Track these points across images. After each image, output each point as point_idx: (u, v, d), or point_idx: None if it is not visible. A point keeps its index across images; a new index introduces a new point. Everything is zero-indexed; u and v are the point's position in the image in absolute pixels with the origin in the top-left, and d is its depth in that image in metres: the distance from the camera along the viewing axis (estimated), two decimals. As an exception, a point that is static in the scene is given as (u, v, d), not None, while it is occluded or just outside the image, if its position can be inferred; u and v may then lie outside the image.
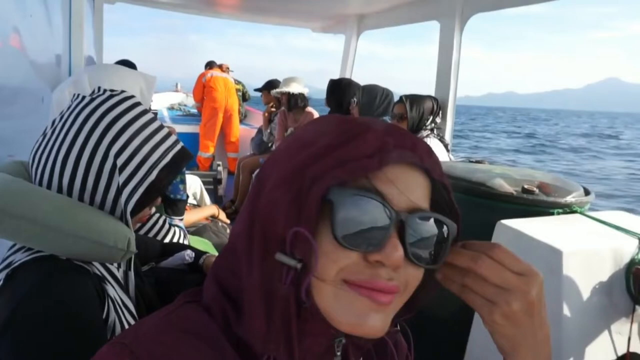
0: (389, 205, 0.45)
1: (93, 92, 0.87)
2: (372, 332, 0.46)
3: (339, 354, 0.51)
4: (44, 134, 0.84)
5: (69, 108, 0.84)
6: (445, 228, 0.49)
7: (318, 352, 0.50)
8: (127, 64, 3.55)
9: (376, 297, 0.45)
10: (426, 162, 0.48)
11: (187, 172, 2.00)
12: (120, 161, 0.80)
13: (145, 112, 0.87)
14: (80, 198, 0.80)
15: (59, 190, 0.80)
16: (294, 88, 3.94)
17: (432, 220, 0.48)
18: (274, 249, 0.46)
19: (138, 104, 0.87)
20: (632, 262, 1.34)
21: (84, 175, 0.80)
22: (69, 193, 0.80)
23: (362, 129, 0.48)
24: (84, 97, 0.85)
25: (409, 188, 0.47)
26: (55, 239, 0.74)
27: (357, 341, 0.52)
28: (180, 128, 5.44)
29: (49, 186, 0.81)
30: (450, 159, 2.73)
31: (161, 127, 0.89)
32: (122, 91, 0.87)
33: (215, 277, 0.53)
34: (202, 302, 0.52)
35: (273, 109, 4.53)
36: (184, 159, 0.90)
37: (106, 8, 4.03)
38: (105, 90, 0.86)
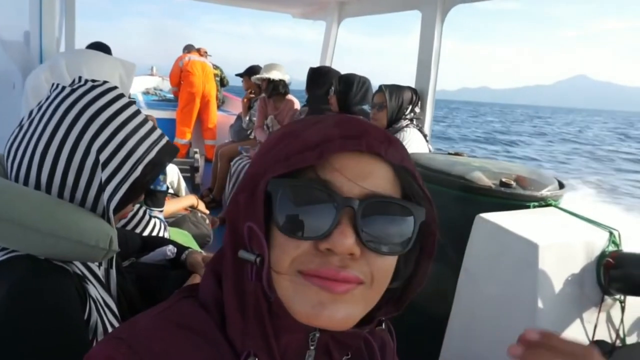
0: (336, 192, 0.45)
1: (73, 81, 0.83)
2: (331, 323, 0.45)
3: (312, 347, 0.50)
4: (21, 126, 0.79)
5: (47, 99, 0.80)
6: (409, 214, 0.47)
7: (297, 347, 0.49)
8: (101, 46, 3.43)
9: (330, 286, 0.44)
10: (377, 147, 0.46)
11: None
12: (103, 157, 0.77)
13: (129, 104, 0.83)
14: (60, 195, 0.77)
15: (37, 186, 0.76)
16: (275, 75, 3.89)
17: (394, 206, 0.47)
18: (240, 247, 0.48)
19: (121, 95, 0.83)
20: (602, 255, 1.39)
21: (64, 171, 0.76)
22: (48, 190, 0.76)
23: (310, 124, 0.49)
24: (64, 88, 0.81)
25: (361, 175, 0.46)
26: (33, 239, 0.71)
27: (341, 338, 0.51)
28: (156, 113, 5.31)
29: (25, 182, 0.77)
30: (429, 149, 2.76)
31: (145, 120, 0.85)
32: (105, 81, 0.83)
33: (212, 273, 0.53)
34: (198, 297, 0.52)
35: (252, 95, 4.47)
36: (169, 154, 0.87)
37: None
38: (86, 81, 0.82)
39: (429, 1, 2.86)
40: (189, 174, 4.78)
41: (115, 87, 0.83)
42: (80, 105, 0.77)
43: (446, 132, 29.80)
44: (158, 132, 0.87)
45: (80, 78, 0.83)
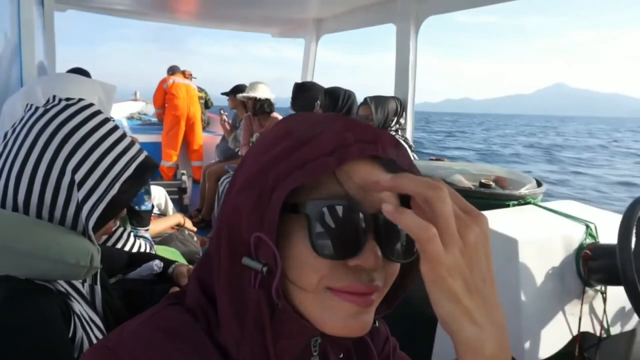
0: (362, 208, 0.45)
1: (48, 101, 0.82)
2: (358, 332, 0.47)
3: (315, 354, 0.51)
4: None
5: (21, 120, 0.80)
6: None
7: (295, 353, 0.50)
8: (81, 72, 3.43)
9: (361, 300, 0.46)
10: (390, 153, 0.47)
11: (151, 182, 1.97)
12: (78, 176, 0.76)
13: (105, 121, 0.83)
14: (39, 214, 0.76)
15: (15, 208, 0.76)
16: (261, 93, 3.93)
17: None
18: (241, 253, 0.46)
19: (97, 112, 0.83)
20: (580, 247, 1.43)
21: (40, 192, 0.75)
22: (26, 210, 0.76)
23: (322, 128, 0.47)
24: (37, 108, 0.80)
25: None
26: (12, 260, 0.70)
27: (337, 340, 0.52)
28: (142, 138, 5.31)
29: (2, 204, 0.76)
30: (414, 157, 2.81)
31: (123, 136, 0.85)
32: (80, 99, 0.83)
33: (197, 279, 0.53)
34: (185, 304, 0.52)
35: (225, 116, 4.53)
36: (149, 169, 0.86)
37: (58, 16, 3.90)
38: (60, 100, 0.81)
39: (403, 14, 2.95)
40: (177, 196, 4.77)
41: (90, 105, 0.83)
42: (53, 125, 0.77)
43: (491, 148, 26.66)
44: (136, 147, 0.86)
45: (54, 97, 0.82)
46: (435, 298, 0.39)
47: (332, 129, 0.46)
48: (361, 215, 0.44)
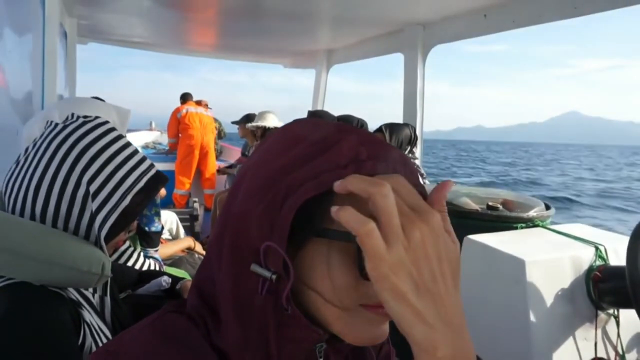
0: None
1: (67, 118, 0.88)
2: (380, 340, 0.48)
3: (321, 359, 0.51)
4: (17, 162, 0.84)
5: (42, 135, 0.85)
6: None
7: (300, 358, 0.50)
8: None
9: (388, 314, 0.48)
10: (400, 171, 0.47)
11: (163, 209, 2.01)
12: (93, 187, 0.81)
13: (119, 137, 0.88)
14: (54, 224, 0.81)
15: (32, 217, 0.80)
16: (269, 122, 4.02)
17: None
18: (247, 259, 0.45)
19: (112, 129, 0.88)
20: (590, 269, 1.41)
21: (56, 202, 0.80)
22: (42, 220, 0.80)
23: (336, 139, 0.47)
24: (56, 124, 0.86)
25: None
26: (28, 267, 0.74)
27: (339, 346, 0.53)
28: (156, 166, 5.41)
29: (22, 214, 0.81)
30: (425, 183, 2.81)
31: (136, 151, 0.90)
32: (96, 117, 0.88)
33: (196, 286, 0.54)
34: (185, 311, 0.53)
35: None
36: (159, 183, 0.91)
37: (79, 47, 4.09)
38: (78, 117, 0.87)
39: (410, 44, 3.03)
40: (188, 223, 4.80)
41: (106, 122, 0.89)
42: (71, 140, 0.83)
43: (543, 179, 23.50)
44: (147, 162, 0.91)
45: (72, 115, 0.88)
46: (383, 298, 0.38)
47: (347, 142, 0.46)
48: None
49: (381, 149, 0.47)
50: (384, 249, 0.37)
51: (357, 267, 0.43)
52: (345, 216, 0.38)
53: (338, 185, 0.41)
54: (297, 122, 0.53)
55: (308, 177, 0.44)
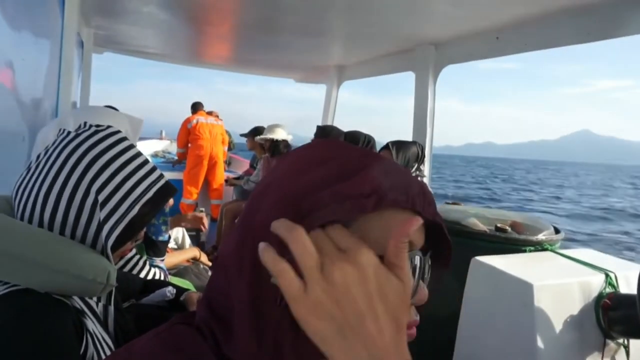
0: (415, 250, 0.48)
1: (79, 127, 0.88)
2: None
3: None
4: (28, 168, 0.85)
5: (54, 143, 0.86)
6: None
7: None
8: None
9: (411, 333, 0.47)
10: (418, 205, 0.48)
11: (170, 217, 2.02)
12: (101, 197, 0.81)
13: (130, 147, 0.88)
14: (62, 232, 0.80)
15: (40, 224, 0.80)
16: (278, 134, 4.04)
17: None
18: (267, 272, 0.45)
19: (124, 139, 0.89)
20: (600, 296, 1.39)
21: (65, 210, 0.80)
22: (50, 227, 0.80)
23: (361, 165, 0.47)
24: (69, 133, 0.86)
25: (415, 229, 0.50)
26: (33, 273, 0.74)
27: None
28: (164, 175, 5.45)
29: (30, 220, 0.81)
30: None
31: (146, 161, 0.90)
32: (108, 126, 0.89)
33: (206, 298, 0.53)
34: (193, 323, 0.53)
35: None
36: (168, 194, 0.91)
37: (94, 57, 4.16)
38: (90, 126, 0.88)
39: (421, 63, 3.05)
40: (194, 233, 4.81)
41: (117, 131, 0.89)
42: (82, 149, 0.83)
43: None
44: (157, 173, 0.91)
45: (85, 123, 0.89)
46: (311, 337, 0.38)
47: (371, 170, 0.47)
48: (416, 258, 0.48)
49: (402, 181, 0.48)
50: (298, 290, 0.38)
51: None
52: (264, 257, 0.40)
53: (273, 227, 0.43)
54: (323, 142, 0.54)
55: (333, 200, 0.44)
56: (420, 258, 0.48)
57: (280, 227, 0.42)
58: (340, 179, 0.46)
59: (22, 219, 0.82)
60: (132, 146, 0.89)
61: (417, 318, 0.49)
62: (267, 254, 0.41)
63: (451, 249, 0.54)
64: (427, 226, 0.51)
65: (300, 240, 0.40)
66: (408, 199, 0.47)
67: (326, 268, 0.39)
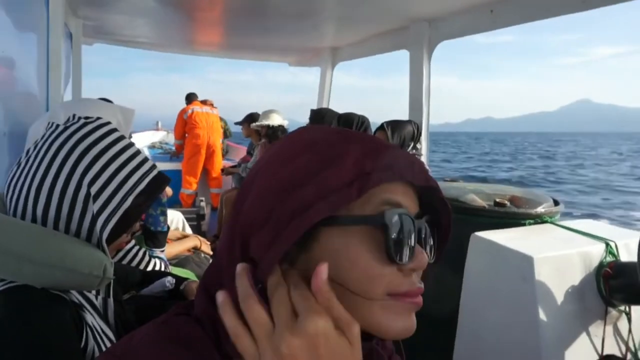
0: (412, 215, 0.48)
1: (68, 120, 0.87)
2: (412, 331, 0.48)
3: None
4: (19, 163, 0.83)
5: (42, 137, 0.84)
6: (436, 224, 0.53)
7: None
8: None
9: (416, 302, 0.48)
10: (407, 175, 0.49)
11: (169, 208, 2.01)
12: (94, 189, 0.80)
13: (121, 138, 0.87)
14: (55, 227, 0.80)
15: (34, 219, 0.79)
16: (274, 120, 4.01)
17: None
18: (257, 278, 0.45)
19: (113, 130, 0.87)
20: (600, 265, 1.39)
21: (57, 204, 0.79)
22: (44, 222, 0.79)
23: (340, 150, 0.48)
24: (57, 126, 0.85)
25: (410, 195, 0.50)
26: (29, 270, 0.73)
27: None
28: (162, 166, 5.43)
29: (23, 216, 0.80)
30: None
31: (138, 152, 0.88)
32: (98, 118, 0.87)
33: (204, 289, 0.53)
34: (193, 314, 0.52)
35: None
36: (162, 184, 0.90)
37: (87, 50, 4.12)
38: (79, 118, 0.86)
39: (415, 40, 3.01)
40: (195, 223, 4.82)
41: (107, 123, 0.87)
42: (72, 142, 0.81)
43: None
44: (149, 163, 0.90)
45: (74, 116, 0.87)
46: None
47: (351, 154, 0.47)
48: (412, 221, 0.47)
49: (385, 157, 0.48)
50: (253, 356, 0.41)
51: (384, 247, 0.45)
52: (224, 318, 0.44)
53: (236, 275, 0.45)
54: (304, 129, 0.54)
55: (317, 197, 0.44)
56: (412, 219, 0.47)
57: (239, 286, 0.44)
58: (321, 168, 0.46)
59: (14, 214, 0.81)
60: (123, 137, 0.88)
61: (422, 285, 0.49)
62: (227, 315, 0.43)
63: (450, 213, 0.54)
64: (426, 195, 0.52)
65: (252, 310, 0.42)
66: (394, 173, 0.47)
67: (275, 339, 0.41)
